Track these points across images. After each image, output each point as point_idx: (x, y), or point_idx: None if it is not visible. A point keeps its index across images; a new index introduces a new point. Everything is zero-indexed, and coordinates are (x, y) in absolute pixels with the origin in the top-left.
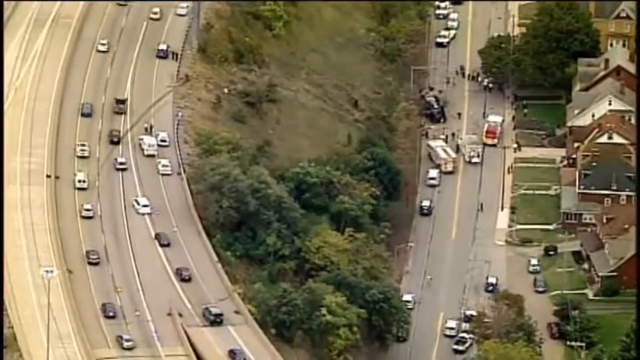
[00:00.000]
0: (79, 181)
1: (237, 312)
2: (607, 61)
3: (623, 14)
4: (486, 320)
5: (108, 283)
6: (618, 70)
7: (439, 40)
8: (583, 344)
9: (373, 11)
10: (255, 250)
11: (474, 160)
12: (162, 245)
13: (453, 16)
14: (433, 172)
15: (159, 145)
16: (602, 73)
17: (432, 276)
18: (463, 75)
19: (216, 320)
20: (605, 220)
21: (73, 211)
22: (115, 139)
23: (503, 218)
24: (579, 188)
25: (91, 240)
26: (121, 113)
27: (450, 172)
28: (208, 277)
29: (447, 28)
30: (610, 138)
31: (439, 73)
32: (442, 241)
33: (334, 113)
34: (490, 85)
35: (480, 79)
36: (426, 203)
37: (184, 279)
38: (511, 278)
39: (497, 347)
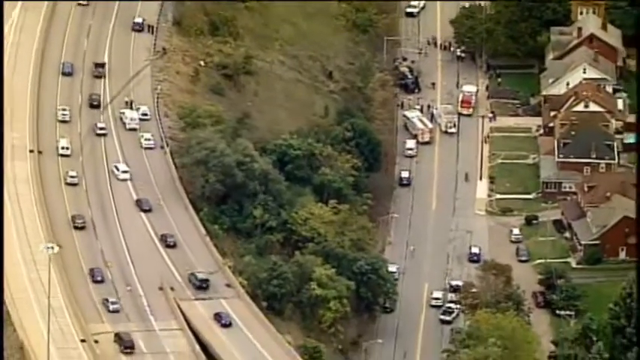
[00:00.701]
0: (62, 148)
1: (228, 285)
2: (580, 29)
3: None
4: (474, 290)
5: (96, 252)
6: (591, 38)
7: (409, 10)
8: (572, 313)
9: None
10: (242, 223)
11: (451, 130)
12: (144, 211)
13: None
14: (410, 143)
15: (140, 119)
16: (575, 42)
17: (415, 247)
18: (435, 45)
19: (202, 286)
20: (586, 189)
21: (57, 180)
22: (95, 103)
23: (482, 188)
24: (558, 157)
25: (76, 206)
26: (101, 77)
27: (427, 143)
28: (197, 250)
29: None
30: (586, 106)
31: (411, 44)
32: (423, 211)
33: (310, 84)
34: (462, 55)
35: (452, 48)
36: (405, 174)
37: (169, 245)
38: (493, 248)
39: (488, 317)
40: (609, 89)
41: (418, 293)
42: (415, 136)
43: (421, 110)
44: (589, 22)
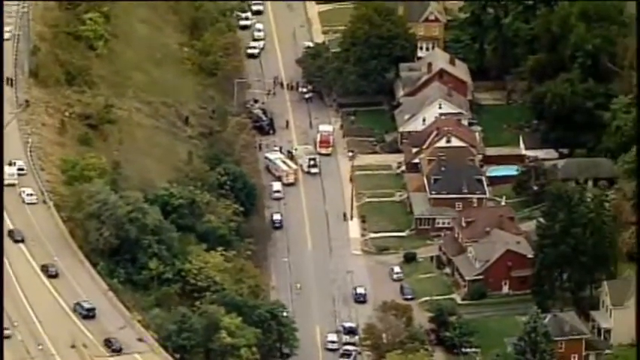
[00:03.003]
0: None
1: (140, 339)
2: (430, 64)
3: (431, 17)
4: (375, 332)
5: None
6: (441, 73)
7: (250, 51)
8: (478, 349)
9: (182, 25)
10: (137, 275)
11: (313, 170)
12: (50, 277)
13: (258, 26)
14: (277, 185)
15: (18, 174)
16: (426, 77)
17: (300, 289)
18: (281, 85)
19: (88, 314)
20: (464, 224)
21: None
22: None
23: (354, 227)
24: (430, 193)
25: None
26: None
27: (292, 184)
28: (102, 306)
29: (255, 39)
30: (448, 141)
31: (258, 85)
32: (300, 253)
33: (168, 130)
34: (309, 94)
35: (300, 88)
36: (276, 217)
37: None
38: (376, 287)
39: (400, 359)
40: (465, 123)
41: (311, 336)
42: (279, 178)
43: (280, 151)
44: (438, 57)
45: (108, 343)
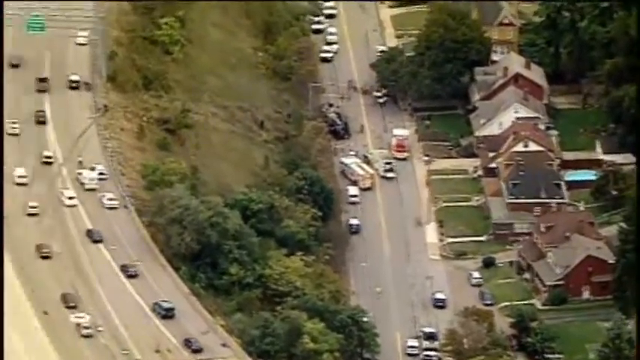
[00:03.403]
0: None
1: (224, 345)
2: (506, 68)
3: (506, 21)
4: (458, 337)
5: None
6: (517, 77)
7: (323, 55)
8: (561, 355)
9: (255, 29)
10: (218, 280)
11: (389, 174)
12: (129, 277)
13: (331, 30)
14: (353, 190)
15: (98, 179)
16: (502, 81)
17: (379, 294)
18: (355, 89)
19: (167, 314)
20: (543, 229)
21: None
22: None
23: (431, 232)
24: (508, 198)
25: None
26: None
27: (368, 189)
28: (185, 311)
29: (328, 43)
30: (526, 146)
31: (331, 89)
32: (378, 258)
33: (244, 135)
34: (383, 99)
35: (374, 92)
36: (354, 221)
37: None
38: (455, 292)
39: None
40: (541, 127)
41: (391, 342)
42: (355, 183)
43: (356, 156)
44: (513, 61)
45: (187, 343)
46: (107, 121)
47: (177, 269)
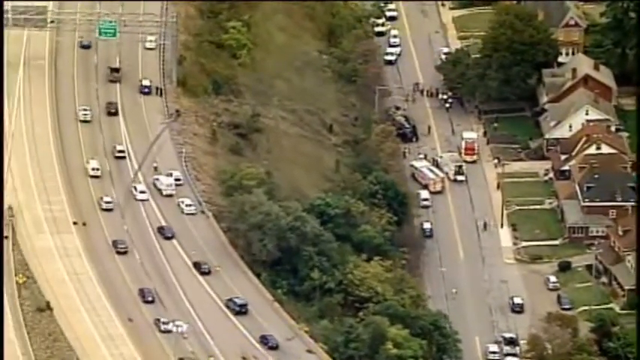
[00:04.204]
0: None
1: (309, 351)
2: (574, 70)
3: (571, 22)
4: (540, 343)
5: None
6: (586, 78)
7: (387, 57)
8: None
9: (319, 32)
10: (299, 286)
11: (459, 178)
12: (202, 273)
13: (394, 32)
14: (424, 193)
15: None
16: (571, 83)
17: (455, 298)
18: (421, 92)
19: (241, 311)
20: (621, 233)
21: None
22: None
23: (505, 236)
24: (584, 201)
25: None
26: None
27: (439, 192)
28: (269, 316)
29: (391, 45)
30: (598, 148)
31: (397, 92)
32: (452, 262)
33: (313, 139)
34: (450, 101)
35: (439, 95)
36: (427, 225)
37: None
38: (532, 297)
39: None
40: (612, 129)
41: (471, 347)
42: (426, 186)
43: (425, 159)
44: (582, 62)
45: (264, 340)
46: (180, 126)
47: (257, 275)
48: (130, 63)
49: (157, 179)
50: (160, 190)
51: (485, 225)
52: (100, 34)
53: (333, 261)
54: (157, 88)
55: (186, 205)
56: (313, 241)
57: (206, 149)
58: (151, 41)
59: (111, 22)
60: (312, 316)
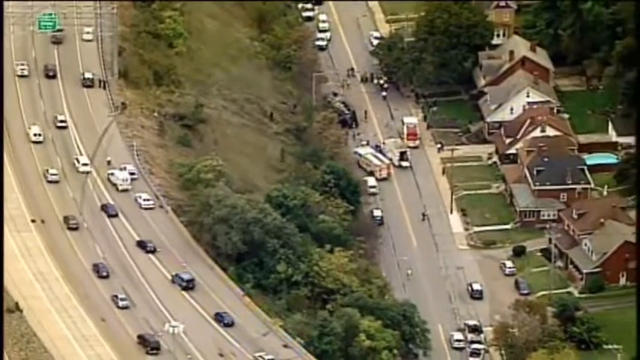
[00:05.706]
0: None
1: (285, 346)
2: (512, 52)
3: (502, 3)
4: (510, 329)
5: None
6: (523, 60)
7: (318, 43)
8: (619, 346)
9: (249, 19)
10: (266, 280)
11: (404, 163)
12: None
13: (322, 17)
14: (371, 180)
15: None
16: (508, 65)
17: (412, 287)
18: (354, 77)
19: (188, 286)
20: (576, 216)
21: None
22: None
23: (456, 221)
24: (534, 185)
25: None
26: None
27: (385, 179)
28: (241, 313)
29: (321, 30)
30: (543, 131)
31: (332, 78)
32: (406, 249)
33: (256, 128)
34: (386, 86)
35: (375, 80)
36: (377, 213)
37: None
38: (489, 283)
39: (544, 358)
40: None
41: (434, 334)
42: (372, 173)
43: (368, 145)
44: (519, 44)
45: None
46: (127, 119)
47: (224, 270)
48: (69, 57)
49: (112, 174)
50: (115, 185)
51: (423, 216)
52: (39, 27)
53: (297, 253)
54: (100, 81)
55: (144, 200)
56: (277, 233)
57: (155, 142)
58: (88, 33)
59: (50, 14)
60: (280, 309)
